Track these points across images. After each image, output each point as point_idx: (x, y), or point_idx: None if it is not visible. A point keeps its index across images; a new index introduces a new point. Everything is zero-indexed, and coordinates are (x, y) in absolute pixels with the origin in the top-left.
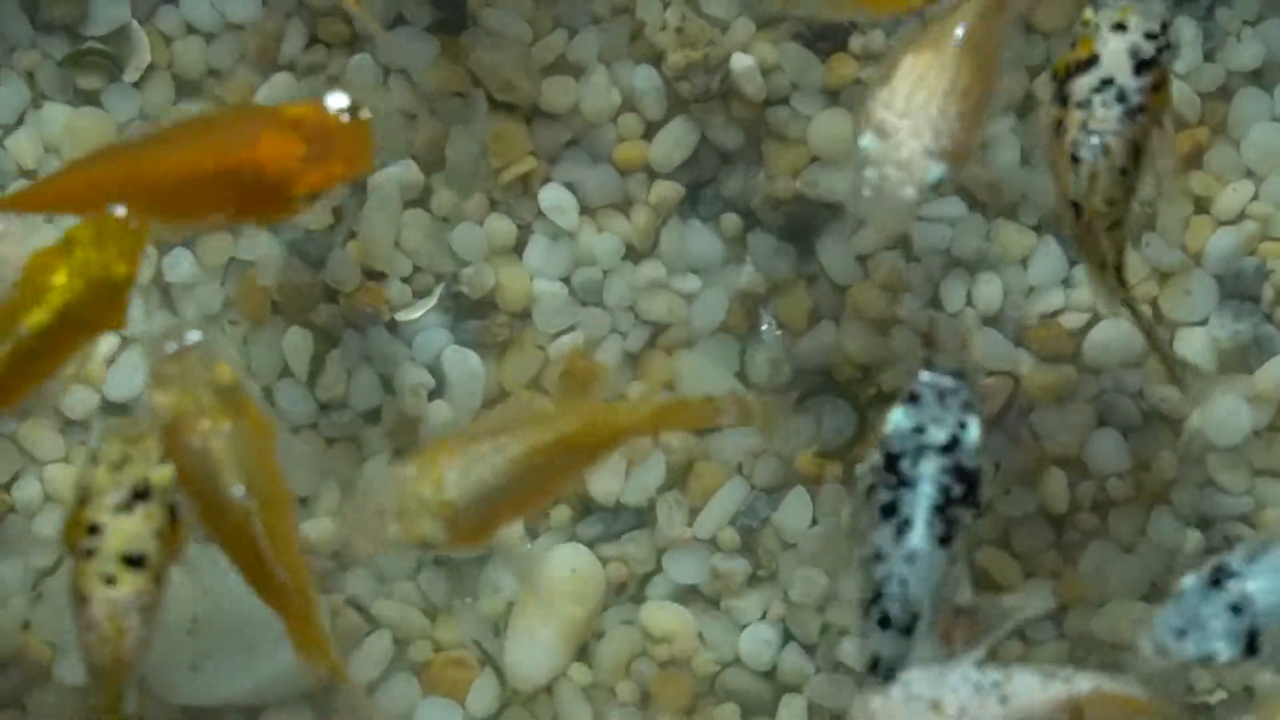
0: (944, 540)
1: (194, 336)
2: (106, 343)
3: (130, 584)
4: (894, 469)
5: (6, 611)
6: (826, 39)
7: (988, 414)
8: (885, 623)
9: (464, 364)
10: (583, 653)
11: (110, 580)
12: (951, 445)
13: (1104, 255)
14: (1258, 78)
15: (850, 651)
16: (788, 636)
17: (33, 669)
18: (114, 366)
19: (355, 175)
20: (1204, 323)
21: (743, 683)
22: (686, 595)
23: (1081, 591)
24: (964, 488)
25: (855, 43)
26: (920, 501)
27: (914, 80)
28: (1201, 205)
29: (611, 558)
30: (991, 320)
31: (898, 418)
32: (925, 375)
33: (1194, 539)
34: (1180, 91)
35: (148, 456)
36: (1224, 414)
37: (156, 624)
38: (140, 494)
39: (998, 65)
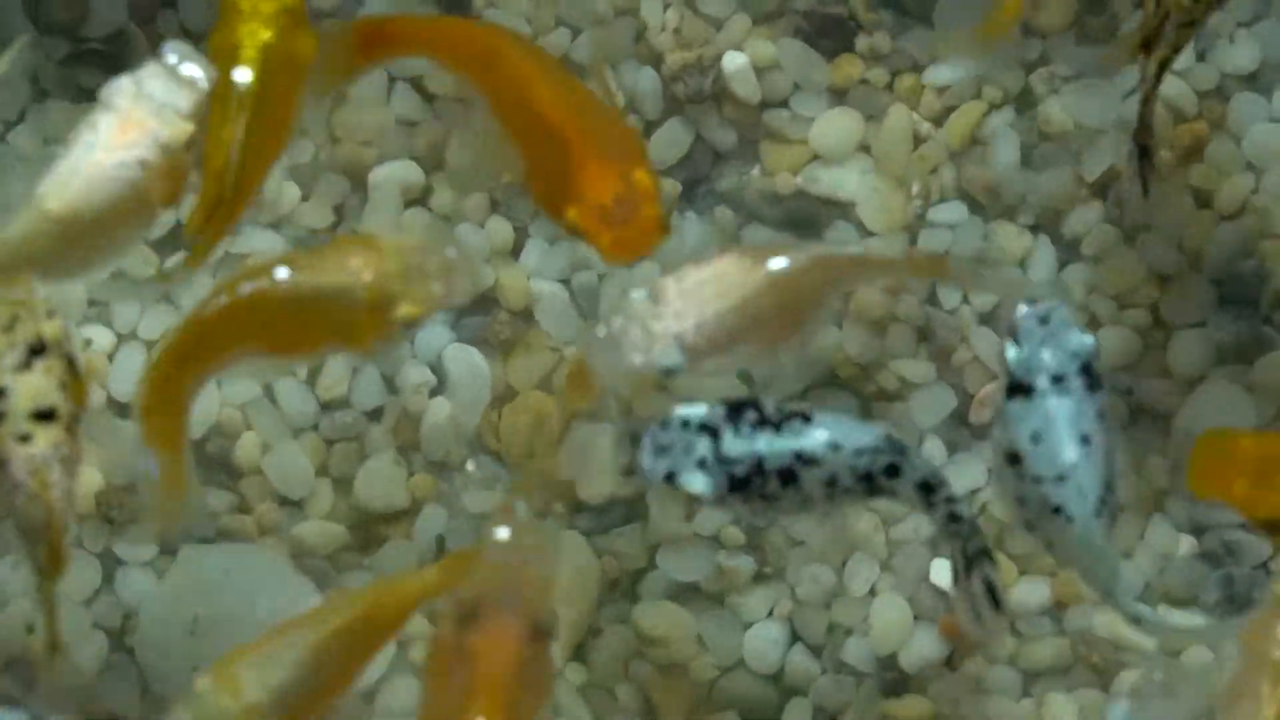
0: None
1: None
2: (106, 338)
3: (45, 438)
4: None
5: (9, 614)
6: (829, 37)
7: (985, 418)
8: None
9: (467, 361)
10: (581, 652)
11: (25, 438)
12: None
13: (1165, 50)
14: (1253, 79)
15: (856, 652)
16: (794, 636)
17: (32, 672)
18: (116, 362)
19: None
20: (1202, 324)
21: (746, 686)
22: (684, 592)
23: (1079, 589)
24: None
25: (861, 43)
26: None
27: (715, 276)
28: (1202, 199)
29: (602, 552)
30: (988, 320)
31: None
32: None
33: (1189, 543)
34: (1178, 88)
35: (34, 313)
36: (1218, 414)
37: (79, 476)
38: (36, 350)
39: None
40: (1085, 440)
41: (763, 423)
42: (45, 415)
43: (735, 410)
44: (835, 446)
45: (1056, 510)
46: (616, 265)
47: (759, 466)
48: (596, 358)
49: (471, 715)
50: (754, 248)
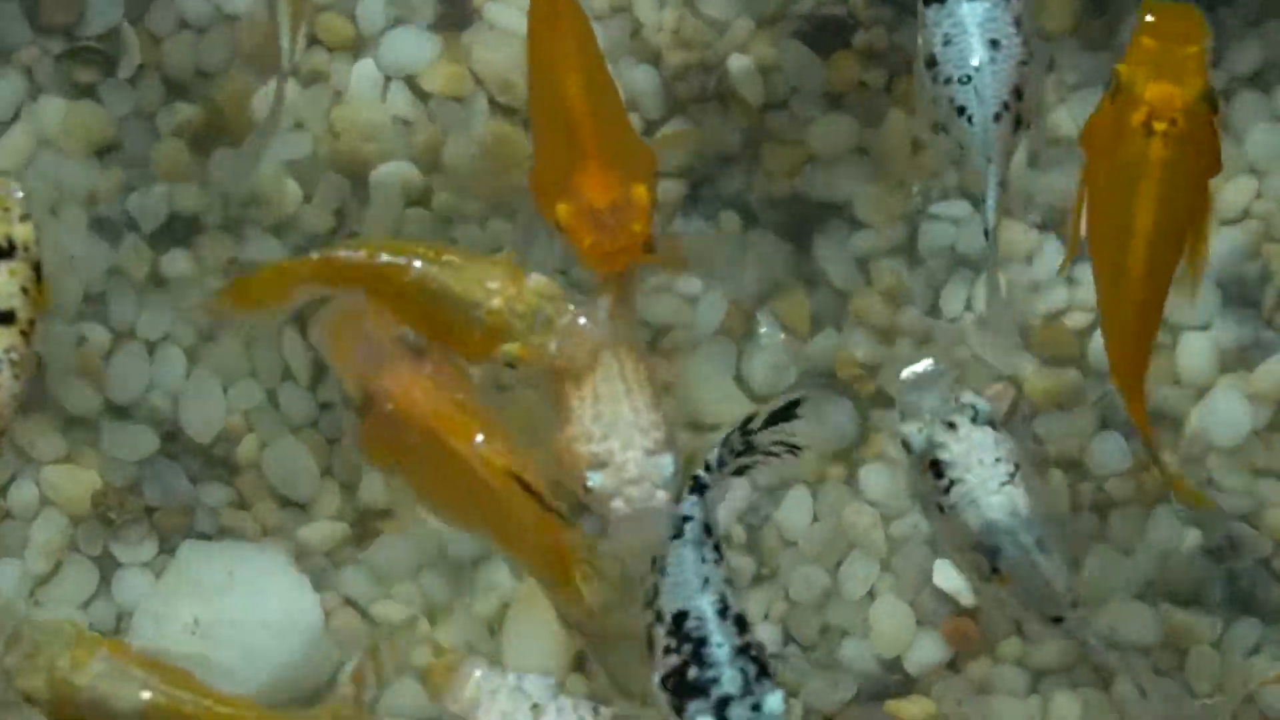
0: None
1: None
2: (103, 340)
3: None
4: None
5: (5, 616)
6: (828, 37)
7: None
8: None
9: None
10: (581, 662)
11: None
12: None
13: None
14: (1258, 80)
15: (849, 653)
16: (788, 638)
17: None
18: (113, 365)
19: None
20: (1206, 328)
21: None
22: None
23: (1082, 591)
24: None
25: (859, 40)
26: None
27: (591, 404)
28: None
29: (607, 555)
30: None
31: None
32: None
33: (1193, 538)
34: None
35: (9, 215)
36: (1224, 413)
37: (28, 382)
38: (3, 252)
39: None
40: (994, 45)
41: None
42: (3, 317)
43: None
44: None
45: (960, 111)
46: (590, 269)
47: None
48: (642, 538)
49: None
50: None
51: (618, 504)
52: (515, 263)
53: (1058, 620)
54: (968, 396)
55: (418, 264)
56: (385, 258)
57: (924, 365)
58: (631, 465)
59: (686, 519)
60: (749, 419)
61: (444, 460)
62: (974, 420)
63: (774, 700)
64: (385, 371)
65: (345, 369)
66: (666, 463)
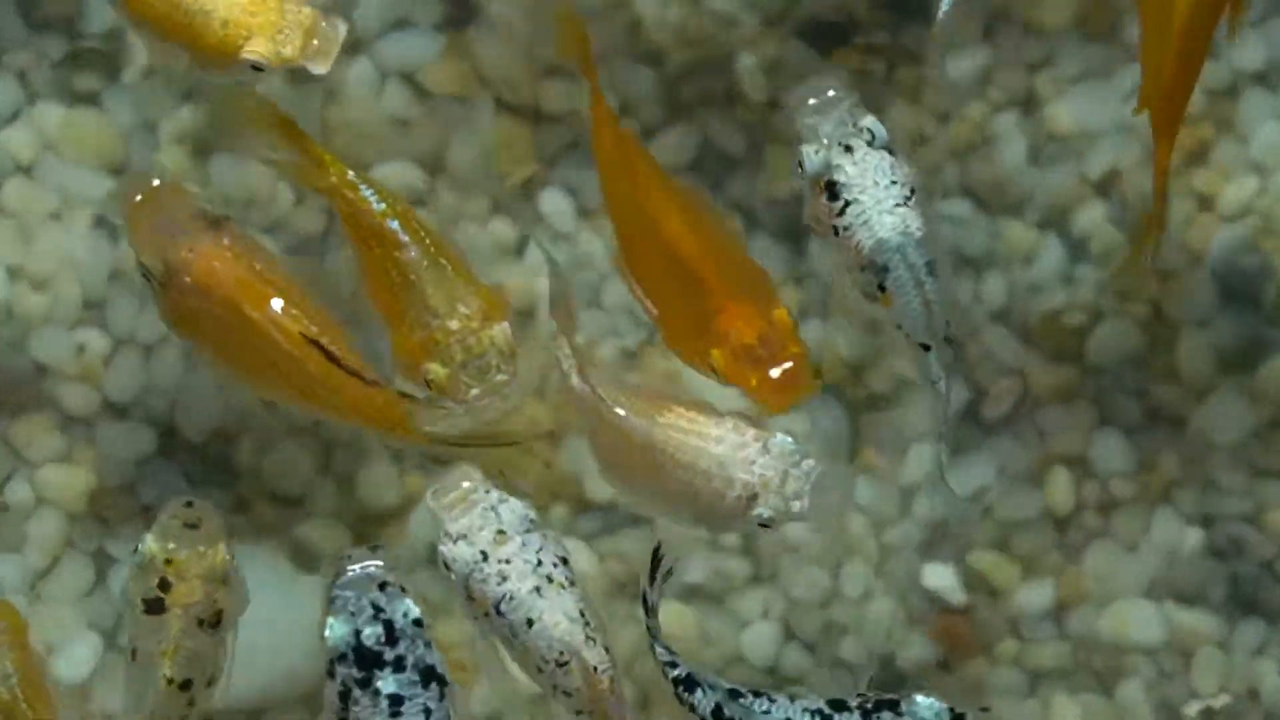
0: None
1: None
2: (103, 342)
3: None
4: (879, 707)
5: None
6: (828, 36)
7: (996, 415)
8: None
9: None
10: None
11: None
12: None
13: None
14: (1263, 79)
15: (850, 649)
16: (789, 634)
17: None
18: (112, 365)
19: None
20: (1206, 323)
21: (746, 679)
22: (688, 593)
23: (1084, 591)
24: None
25: (859, 38)
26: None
27: (694, 442)
28: (1205, 203)
29: (608, 554)
30: (997, 318)
31: (928, 706)
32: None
33: (1195, 537)
34: None
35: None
36: (1226, 412)
37: None
38: None
39: None
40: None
41: None
42: None
43: None
44: None
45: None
46: (770, 410)
47: None
48: (827, 521)
49: None
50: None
51: (796, 508)
52: (503, 301)
53: (926, 348)
54: (866, 120)
55: (413, 251)
56: (392, 224)
57: (825, 90)
58: (773, 476)
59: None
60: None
61: (244, 329)
62: (870, 144)
63: None
64: (184, 243)
65: (143, 241)
66: (789, 445)
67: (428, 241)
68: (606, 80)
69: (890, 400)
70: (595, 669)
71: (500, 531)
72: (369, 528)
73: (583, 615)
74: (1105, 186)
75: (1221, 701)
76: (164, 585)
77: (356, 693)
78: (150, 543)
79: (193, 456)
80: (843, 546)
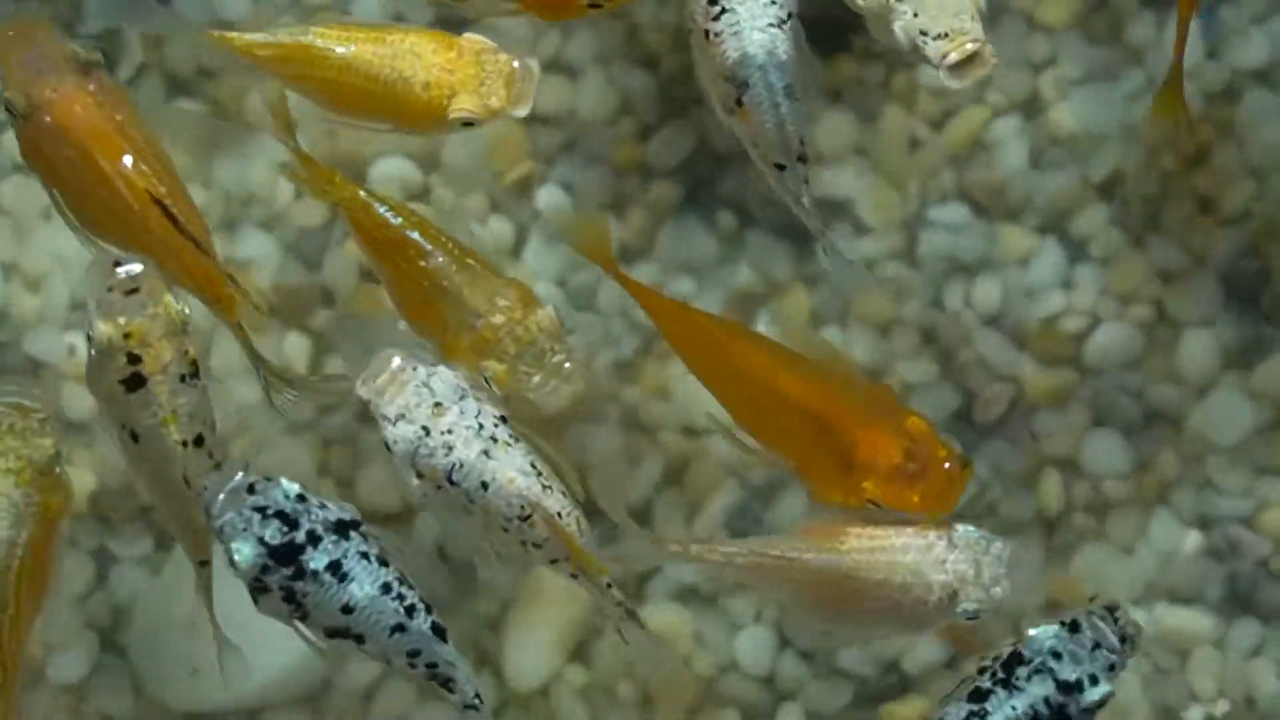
0: None
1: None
2: None
3: None
4: (1010, 668)
5: None
6: (824, 40)
7: (989, 419)
8: None
9: None
10: (581, 653)
11: None
12: (1072, 688)
13: None
14: (1264, 77)
15: (848, 657)
16: (784, 642)
17: (26, 671)
18: None
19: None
20: (1208, 324)
21: (740, 688)
22: (686, 594)
23: (1075, 592)
24: None
25: (857, 42)
26: (1005, 710)
27: (882, 559)
28: (1206, 204)
29: (609, 556)
30: (993, 322)
31: (1046, 631)
32: (1099, 617)
33: (1193, 539)
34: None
35: None
36: (1224, 412)
37: None
38: None
39: None
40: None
41: None
42: None
43: None
44: None
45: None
46: (935, 514)
47: None
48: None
49: None
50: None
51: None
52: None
53: (780, 168)
54: None
55: (440, 257)
56: (414, 235)
57: None
58: (986, 573)
59: None
60: None
61: (93, 176)
62: None
63: None
64: (50, 82)
65: (10, 75)
66: (998, 547)
67: (450, 244)
68: (606, 80)
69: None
70: (560, 515)
71: (437, 404)
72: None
73: (534, 467)
74: (1108, 189)
75: (1222, 709)
76: (134, 359)
77: (299, 586)
78: (101, 327)
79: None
80: None
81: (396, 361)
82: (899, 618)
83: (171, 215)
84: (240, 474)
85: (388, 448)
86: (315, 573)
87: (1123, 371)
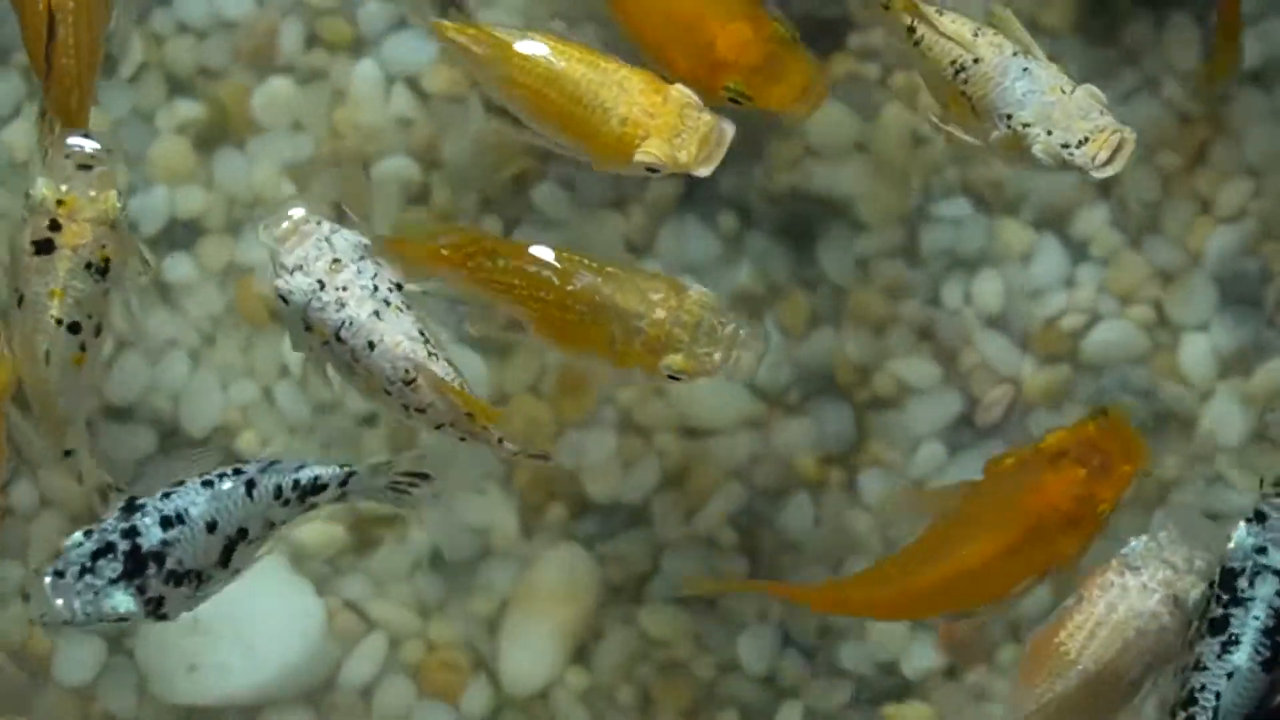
0: (1266, 665)
1: None
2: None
3: None
4: (1229, 585)
5: (5, 614)
6: (823, 37)
7: (990, 419)
8: None
9: (464, 364)
10: (581, 655)
11: None
12: None
13: None
14: (1259, 78)
15: (848, 656)
16: (786, 640)
17: (32, 671)
18: (113, 369)
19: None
20: (1206, 327)
21: (741, 688)
22: (685, 595)
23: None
24: None
25: (854, 41)
26: (1250, 623)
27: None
28: (1204, 204)
29: (608, 557)
30: (994, 322)
31: (1241, 534)
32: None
33: None
34: (1181, 90)
35: None
36: (1224, 414)
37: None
38: None
39: None
40: None
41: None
42: None
43: None
44: None
45: None
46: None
47: None
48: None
49: None
50: None
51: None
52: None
53: None
54: None
55: (584, 277)
56: (547, 271)
57: None
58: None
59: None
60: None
61: None
62: None
63: None
64: None
65: None
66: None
67: (582, 261)
68: None
69: (896, 402)
70: (442, 380)
71: (335, 260)
72: (366, 528)
73: (423, 335)
74: (1107, 188)
75: None
76: (54, 226)
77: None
78: (42, 186)
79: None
80: (845, 543)
81: (300, 212)
82: (1163, 654)
83: (52, 29)
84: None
85: (282, 299)
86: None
87: (1123, 371)
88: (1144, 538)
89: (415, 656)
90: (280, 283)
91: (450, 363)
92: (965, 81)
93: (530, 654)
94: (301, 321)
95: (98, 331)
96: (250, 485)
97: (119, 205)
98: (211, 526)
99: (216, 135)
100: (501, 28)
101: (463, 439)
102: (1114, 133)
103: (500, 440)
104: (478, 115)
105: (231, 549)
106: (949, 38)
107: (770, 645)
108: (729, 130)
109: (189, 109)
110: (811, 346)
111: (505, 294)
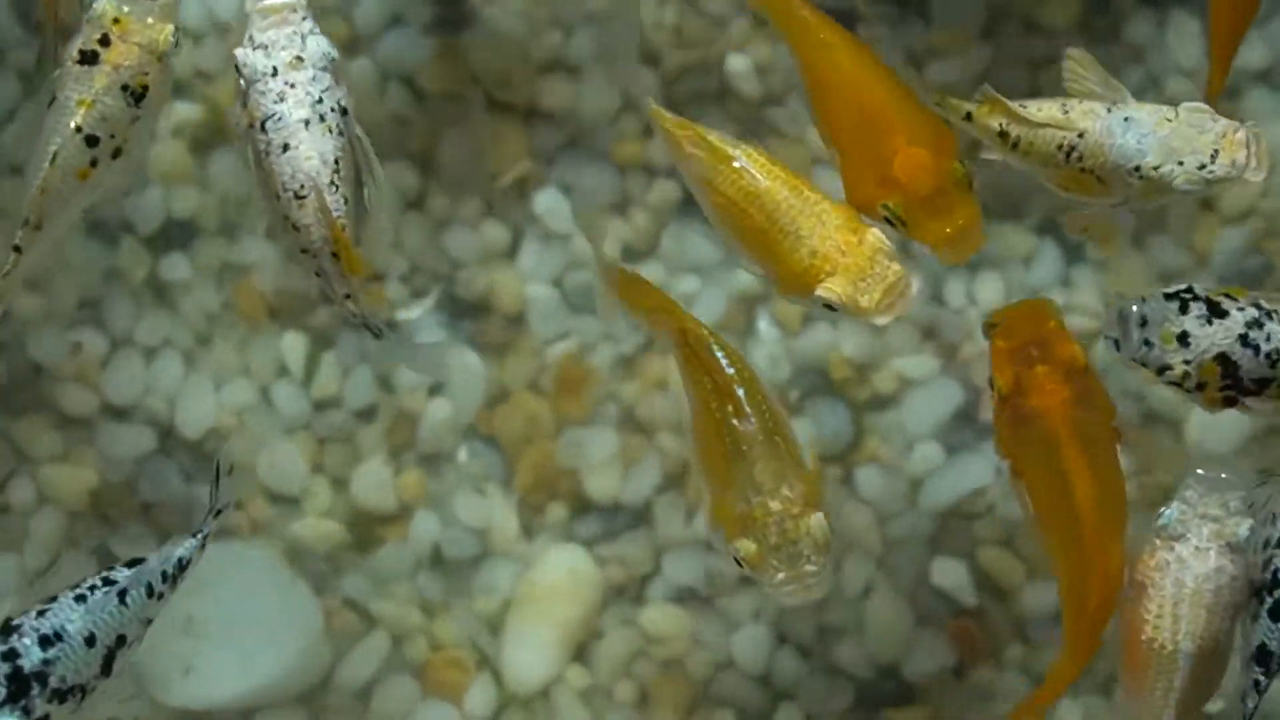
0: None
1: None
2: (101, 345)
3: None
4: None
5: (1, 611)
6: None
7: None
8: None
9: (463, 362)
10: (581, 654)
11: None
12: None
13: None
14: (1266, 78)
15: (846, 655)
16: (782, 639)
17: None
18: (110, 368)
19: None
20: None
21: (738, 687)
22: (686, 596)
23: None
24: None
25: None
26: None
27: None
28: (1208, 203)
29: (609, 558)
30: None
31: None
32: None
33: None
34: (1187, 89)
35: None
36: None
37: None
38: None
39: None
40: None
41: None
42: None
43: None
44: None
45: None
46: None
47: None
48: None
49: None
50: None
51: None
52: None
53: None
54: None
55: (753, 423)
56: (739, 391)
57: None
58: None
59: None
60: None
61: None
62: None
63: None
64: None
65: None
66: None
67: (767, 414)
68: (606, 78)
69: (894, 400)
70: (330, 209)
71: (299, 58)
72: (364, 527)
73: (336, 164)
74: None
75: (1218, 706)
76: (104, 40)
77: None
78: (105, 3)
79: (191, 454)
80: (842, 541)
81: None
82: (1242, 600)
83: None
84: None
85: (236, 68)
86: None
87: (1123, 372)
88: (1174, 505)
89: (420, 655)
90: (240, 52)
91: (347, 200)
92: (1079, 159)
93: (532, 653)
94: (243, 97)
95: (115, 154)
96: (123, 594)
97: (173, 40)
98: (90, 640)
99: (212, 137)
100: (716, 134)
101: (318, 275)
102: (1236, 132)
103: (348, 296)
104: (477, 115)
105: (112, 658)
106: (1045, 125)
107: (766, 644)
108: (915, 286)
109: (185, 111)
110: (808, 338)
111: (694, 378)
